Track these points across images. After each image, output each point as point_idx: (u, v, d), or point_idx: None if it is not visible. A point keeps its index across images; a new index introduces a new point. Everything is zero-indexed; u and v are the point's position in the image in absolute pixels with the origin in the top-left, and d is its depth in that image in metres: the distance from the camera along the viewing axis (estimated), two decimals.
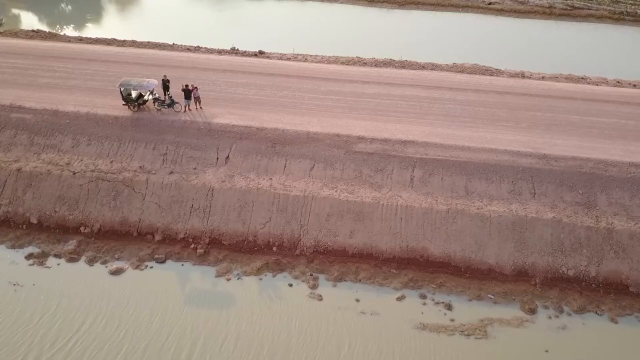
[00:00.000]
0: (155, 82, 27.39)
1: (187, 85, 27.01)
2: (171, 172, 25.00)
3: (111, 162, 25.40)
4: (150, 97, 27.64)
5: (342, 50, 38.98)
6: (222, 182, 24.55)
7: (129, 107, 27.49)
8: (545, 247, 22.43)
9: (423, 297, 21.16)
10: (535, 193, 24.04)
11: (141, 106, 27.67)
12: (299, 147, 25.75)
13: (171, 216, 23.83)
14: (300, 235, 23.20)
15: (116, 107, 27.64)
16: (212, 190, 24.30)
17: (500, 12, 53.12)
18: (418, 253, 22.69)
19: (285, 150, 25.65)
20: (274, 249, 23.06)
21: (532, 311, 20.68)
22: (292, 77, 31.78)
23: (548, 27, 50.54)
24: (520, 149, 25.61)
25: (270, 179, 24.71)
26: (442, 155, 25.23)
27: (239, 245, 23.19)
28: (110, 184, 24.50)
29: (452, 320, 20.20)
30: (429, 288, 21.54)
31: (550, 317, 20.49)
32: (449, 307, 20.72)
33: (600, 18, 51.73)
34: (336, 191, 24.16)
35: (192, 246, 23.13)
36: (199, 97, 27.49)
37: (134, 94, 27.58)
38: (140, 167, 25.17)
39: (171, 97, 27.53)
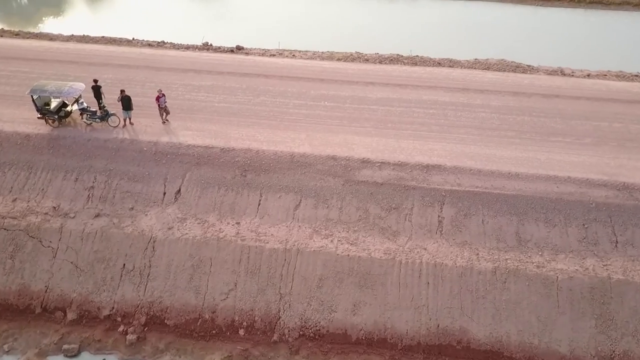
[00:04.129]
0: (82, 87, 20.00)
1: (123, 92, 19.58)
2: (98, 215, 17.60)
3: (14, 200, 17.97)
4: (76, 107, 20.21)
5: (339, 45, 31.74)
6: (169, 229, 17.17)
7: (46, 121, 20.03)
8: None
9: None
10: (617, 242, 16.73)
11: (63, 120, 20.22)
12: (279, 175, 18.40)
13: (93, 282, 16.43)
14: (279, 311, 15.84)
15: (30, 121, 20.19)
16: (154, 241, 16.92)
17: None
18: (454, 337, 15.36)
19: (260, 181, 18.29)
20: (241, 332, 15.69)
21: None
22: (273, 78, 24.35)
23: (577, 16, 43.25)
24: (589, 175, 18.29)
25: (238, 223, 17.34)
26: (481, 186, 17.91)
27: (190, 326, 15.81)
28: (8, 234, 17.08)
29: None
30: None
31: None
32: None
33: (638, 6, 44.46)
34: (332, 241, 16.82)
35: (121, 329, 15.75)
36: (166, 107, 20.14)
37: (53, 103, 20.14)
38: (55, 207, 17.75)
39: (105, 107, 20.12)
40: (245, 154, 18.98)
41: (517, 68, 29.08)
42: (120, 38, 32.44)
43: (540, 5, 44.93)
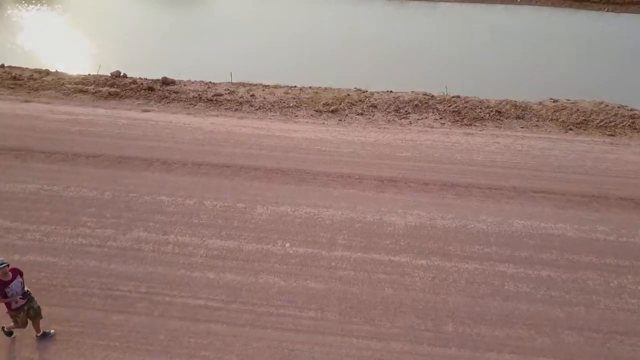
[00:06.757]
0: None
1: None
2: None
3: None
4: None
5: (328, 74, 19.72)
6: None
7: None
8: None
9: None
10: None
11: None
12: None
13: None
14: None
15: None
16: None
17: (583, 3, 33.41)
18: None
19: None
20: None
21: None
22: (180, 170, 11.49)
23: None
24: None
25: None
26: None
27: None
28: None
29: None
30: None
31: None
32: None
33: None
34: None
35: None
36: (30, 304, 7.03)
37: None
38: None
39: None
40: None
41: (633, 119, 16.91)
42: None
43: (611, 11, 32.50)
